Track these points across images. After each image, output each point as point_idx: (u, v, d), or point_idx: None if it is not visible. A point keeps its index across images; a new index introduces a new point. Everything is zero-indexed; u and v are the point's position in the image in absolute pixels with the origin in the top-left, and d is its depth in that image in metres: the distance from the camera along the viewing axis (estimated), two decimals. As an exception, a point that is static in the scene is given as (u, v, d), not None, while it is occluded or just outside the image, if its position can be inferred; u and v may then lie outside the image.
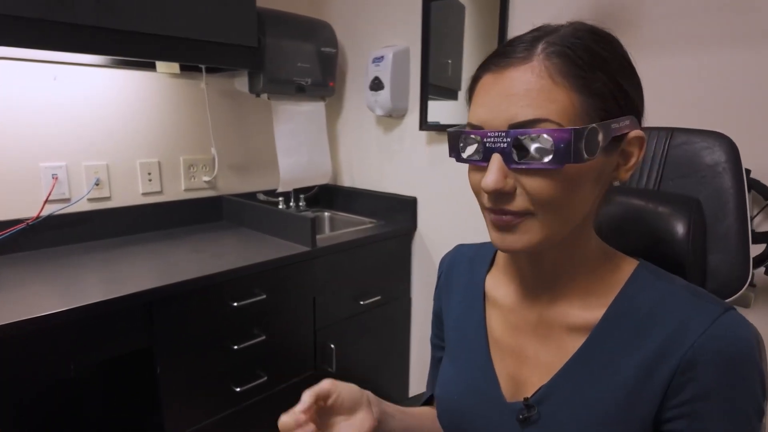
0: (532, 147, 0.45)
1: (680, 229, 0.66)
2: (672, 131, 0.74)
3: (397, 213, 1.86)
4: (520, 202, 0.48)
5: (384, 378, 1.83)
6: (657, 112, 1.17)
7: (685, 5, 1.13)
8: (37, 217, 1.43)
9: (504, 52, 0.49)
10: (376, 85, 1.74)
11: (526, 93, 0.46)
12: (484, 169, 0.48)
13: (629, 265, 0.55)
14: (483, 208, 0.52)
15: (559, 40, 0.47)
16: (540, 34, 0.49)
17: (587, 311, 0.53)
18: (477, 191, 0.52)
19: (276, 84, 1.72)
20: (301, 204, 2.03)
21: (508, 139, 0.46)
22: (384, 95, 1.72)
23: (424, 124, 1.71)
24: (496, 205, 0.49)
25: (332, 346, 1.57)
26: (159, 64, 1.60)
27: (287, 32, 1.72)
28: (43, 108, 1.42)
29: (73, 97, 1.47)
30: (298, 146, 1.88)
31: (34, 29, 1.12)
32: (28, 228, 1.41)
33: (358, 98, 1.96)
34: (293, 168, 1.87)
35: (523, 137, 0.45)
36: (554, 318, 0.56)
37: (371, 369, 1.78)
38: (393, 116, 1.81)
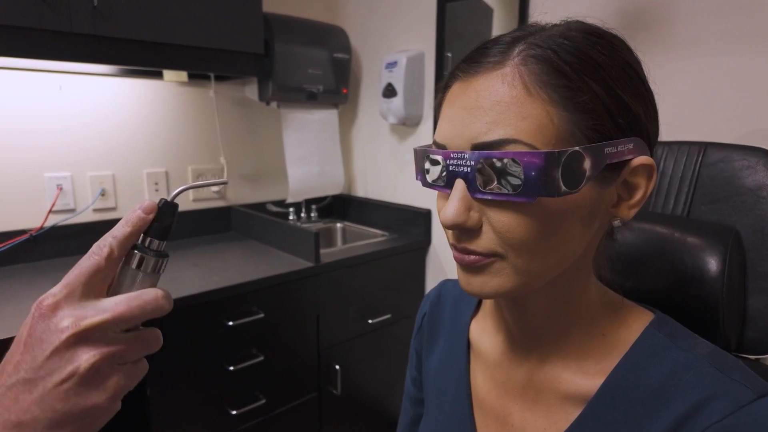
0: (498, 174, 0.36)
1: (713, 265, 0.55)
2: (705, 146, 0.63)
3: (411, 225, 1.77)
4: (486, 242, 0.38)
5: (394, 402, 1.73)
6: (687, 124, 1.04)
7: (724, 1, 1.00)
8: (41, 228, 1.41)
9: (475, 56, 0.39)
10: (389, 91, 1.66)
11: (492, 106, 0.36)
12: (448, 198, 0.39)
13: (640, 321, 0.44)
14: (449, 243, 0.42)
15: (543, 41, 0.37)
16: (522, 33, 0.39)
17: (584, 378, 0.43)
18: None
19: (286, 91, 1.67)
20: (312, 215, 1.97)
21: (471, 163, 0.37)
22: (397, 102, 1.64)
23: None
24: (459, 242, 0.40)
25: (337, 367, 1.49)
26: (166, 72, 1.57)
27: (297, 38, 1.66)
28: (49, 118, 1.41)
29: (78, 107, 1.45)
30: (309, 155, 1.82)
31: (27, 38, 1.10)
32: (31, 239, 1.40)
33: (373, 105, 1.89)
34: (303, 178, 1.81)
35: (487, 161, 0.36)
36: (545, 381, 0.45)
37: (380, 392, 1.69)
38: (407, 124, 1.73)
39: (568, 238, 0.39)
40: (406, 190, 1.81)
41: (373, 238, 1.76)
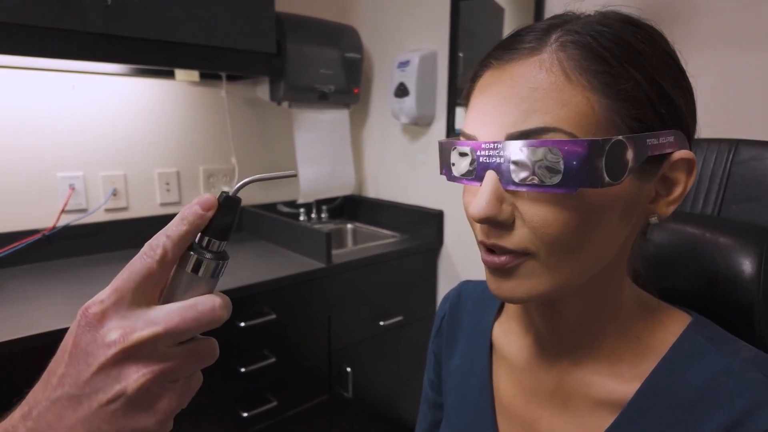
0: (536, 164, 0.34)
1: (748, 266, 0.53)
2: (736, 144, 0.60)
3: (423, 226, 1.75)
4: (518, 238, 0.37)
5: (405, 405, 1.71)
6: (716, 121, 1.01)
7: (750, -5, 0.97)
8: (53, 228, 1.41)
9: (508, 44, 0.38)
10: (401, 91, 1.64)
11: (530, 94, 0.35)
12: (478, 191, 0.37)
13: (677, 324, 0.42)
14: (477, 240, 0.41)
15: (581, 27, 0.36)
16: (558, 21, 0.38)
17: (617, 382, 0.41)
18: (470, 219, 0.41)
19: (297, 91, 1.66)
20: (323, 215, 1.96)
21: (505, 153, 0.35)
22: (409, 102, 1.62)
23: (451, 133, 1.60)
24: (488, 238, 0.38)
25: (348, 369, 1.47)
26: (178, 72, 1.56)
27: (309, 38, 1.66)
28: (62, 117, 1.41)
29: (91, 106, 1.45)
30: (320, 156, 1.81)
31: (42, 38, 1.09)
32: (44, 238, 1.40)
33: (385, 105, 1.87)
34: (314, 178, 1.80)
35: (523, 151, 0.34)
36: (575, 386, 0.43)
37: (391, 395, 1.67)
38: (419, 124, 1.71)
39: (605, 235, 0.37)
40: (417, 190, 1.80)
41: (384, 239, 1.74)
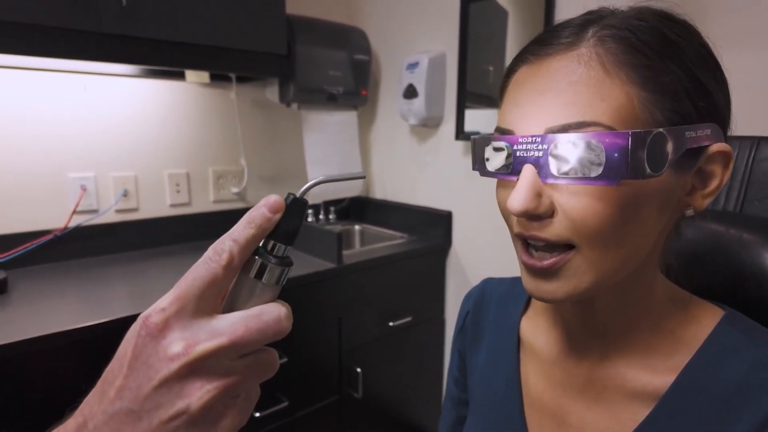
0: (576, 157, 0.34)
1: (772, 262, 0.53)
2: (758, 141, 0.61)
3: (431, 228, 1.76)
4: (557, 229, 0.37)
5: (415, 406, 1.71)
6: (737, 119, 1.02)
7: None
8: (65, 228, 1.42)
9: (544, 39, 0.39)
10: (410, 92, 1.65)
11: (568, 87, 0.35)
12: (513, 185, 0.37)
13: (710, 317, 0.42)
14: (512, 234, 0.41)
15: (618, 22, 0.37)
16: (593, 17, 0.38)
17: (652, 374, 0.41)
18: (505, 213, 0.41)
19: (306, 93, 1.67)
20: (331, 216, 1.96)
21: (544, 146, 0.35)
22: (418, 103, 1.63)
23: (460, 134, 1.60)
24: (527, 230, 0.38)
25: (358, 369, 1.47)
26: (188, 74, 1.57)
27: (318, 39, 1.66)
28: (73, 118, 1.41)
29: (102, 108, 1.46)
30: (329, 157, 1.82)
31: (58, 38, 1.10)
32: (56, 239, 1.40)
33: (392, 107, 1.88)
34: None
35: (563, 144, 0.35)
36: (608, 378, 0.44)
37: (401, 395, 1.67)
38: (428, 125, 1.72)
39: (644, 228, 0.37)
40: (426, 191, 1.80)
41: (391, 240, 1.74)
